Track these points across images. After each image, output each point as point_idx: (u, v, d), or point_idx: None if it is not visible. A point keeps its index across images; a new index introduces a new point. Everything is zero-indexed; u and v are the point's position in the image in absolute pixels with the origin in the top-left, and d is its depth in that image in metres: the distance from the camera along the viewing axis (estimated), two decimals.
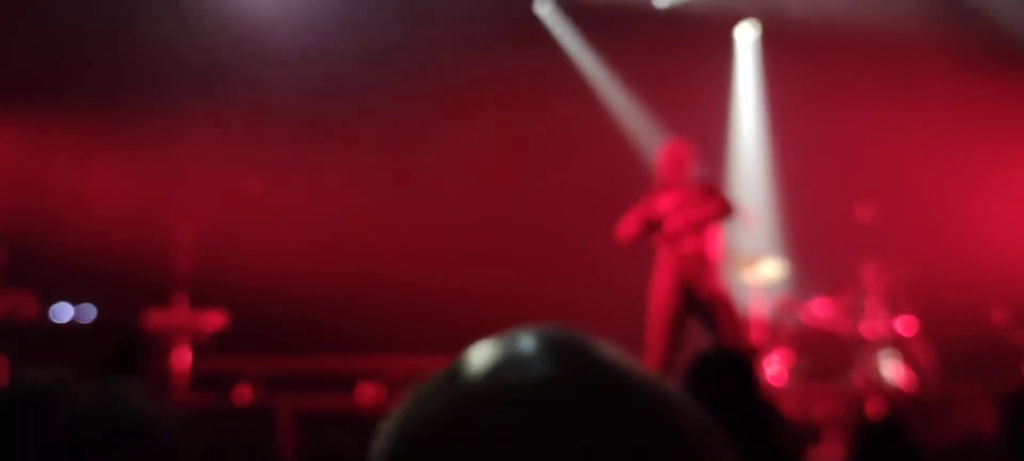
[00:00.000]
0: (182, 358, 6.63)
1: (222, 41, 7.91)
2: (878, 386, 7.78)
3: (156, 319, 6.60)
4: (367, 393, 7.14)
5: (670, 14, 9.33)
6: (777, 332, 8.08)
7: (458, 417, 0.61)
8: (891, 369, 7.88)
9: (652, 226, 5.87)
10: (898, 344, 8.15)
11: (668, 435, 0.61)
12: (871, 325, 8.10)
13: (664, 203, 5.88)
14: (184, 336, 6.64)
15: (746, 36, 9.93)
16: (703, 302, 5.73)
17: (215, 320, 6.84)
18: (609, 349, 0.64)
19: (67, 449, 1.38)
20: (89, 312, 6.99)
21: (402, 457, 0.61)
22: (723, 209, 5.91)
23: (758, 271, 7.86)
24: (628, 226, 5.84)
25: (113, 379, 1.46)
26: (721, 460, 0.64)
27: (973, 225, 8.12)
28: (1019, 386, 2.58)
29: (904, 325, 8.17)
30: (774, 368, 7.90)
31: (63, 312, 6.88)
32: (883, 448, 3.03)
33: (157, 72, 7.87)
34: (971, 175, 8.26)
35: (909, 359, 8.05)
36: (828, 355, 8.16)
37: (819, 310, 8.24)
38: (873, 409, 7.16)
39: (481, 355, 0.64)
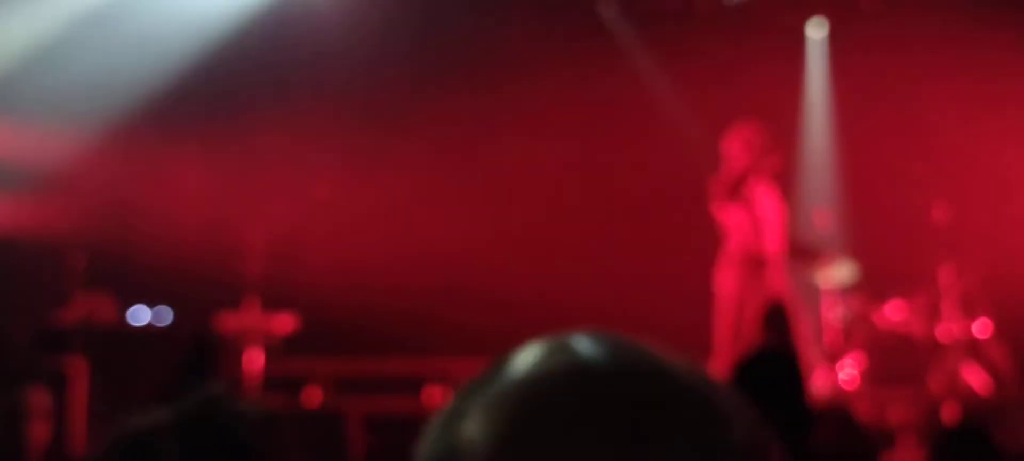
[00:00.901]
0: (254, 360, 6.75)
1: (291, 44, 8.03)
2: (955, 390, 7.63)
3: (229, 322, 6.73)
4: (435, 396, 7.19)
5: (738, 10, 9.25)
6: (850, 335, 7.97)
7: (502, 402, 0.61)
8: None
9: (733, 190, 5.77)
10: (975, 348, 7.98)
11: (709, 418, 0.61)
12: (947, 328, 7.94)
13: (733, 194, 5.81)
14: (256, 338, 6.75)
15: (817, 31, 9.79)
16: (765, 303, 5.68)
17: (286, 323, 6.95)
18: (652, 345, 0.65)
19: None
20: (165, 314, 7.14)
21: (449, 446, 0.62)
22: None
23: (831, 273, 7.76)
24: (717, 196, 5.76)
25: (216, 410, 1.49)
26: (765, 450, 0.63)
27: None
28: None
29: (981, 328, 8.00)
30: (848, 372, 7.79)
31: (140, 315, 7.04)
32: (965, 453, 2.98)
33: (231, 77, 8.02)
34: None
35: (987, 363, 7.88)
36: (903, 359, 8.02)
37: (894, 313, 8.09)
38: (949, 414, 7.02)
39: (524, 350, 0.66)
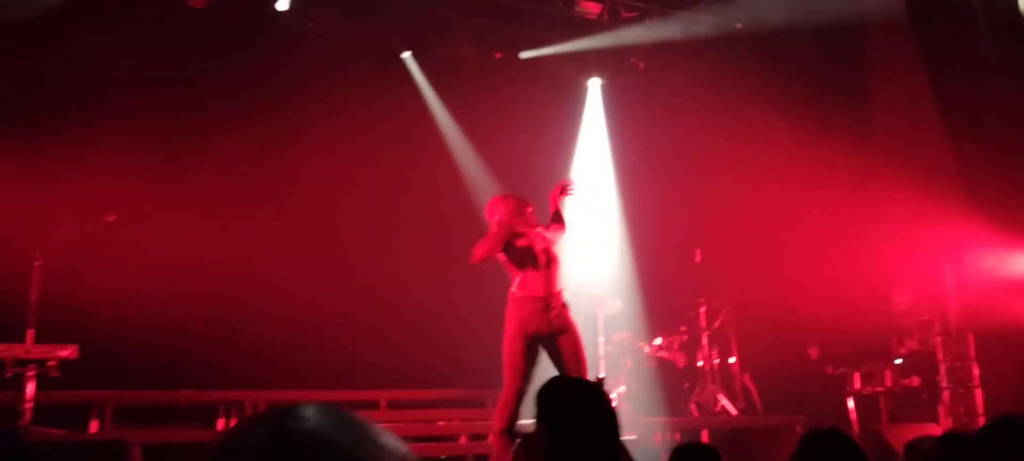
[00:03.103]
0: (29, 389, 6.51)
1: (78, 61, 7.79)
2: (710, 415, 8.27)
3: (2, 350, 6.46)
4: (224, 425, 7.19)
5: (528, 64, 9.66)
6: (619, 365, 8.48)
7: None
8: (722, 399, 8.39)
9: (505, 242, 5.99)
10: (728, 376, 8.68)
11: None
12: (705, 358, 8.60)
13: (520, 229, 6.07)
14: (31, 367, 6.52)
15: (596, 89, 10.39)
16: (549, 337, 5.94)
17: (64, 352, 6.73)
18: (368, 422, 0.70)
19: None
20: None
21: None
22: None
23: (602, 308, 8.22)
24: (481, 249, 5.95)
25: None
26: None
27: (802, 269, 8.63)
28: (815, 427, 2.85)
29: (733, 359, 8.71)
30: (616, 399, 8.29)
31: None
32: None
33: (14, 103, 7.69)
34: (801, 225, 8.75)
35: (738, 390, 8.59)
36: (666, 386, 8.60)
37: (658, 345, 8.69)
38: (705, 437, 7.63)
39: (242, 429, 0.70)
